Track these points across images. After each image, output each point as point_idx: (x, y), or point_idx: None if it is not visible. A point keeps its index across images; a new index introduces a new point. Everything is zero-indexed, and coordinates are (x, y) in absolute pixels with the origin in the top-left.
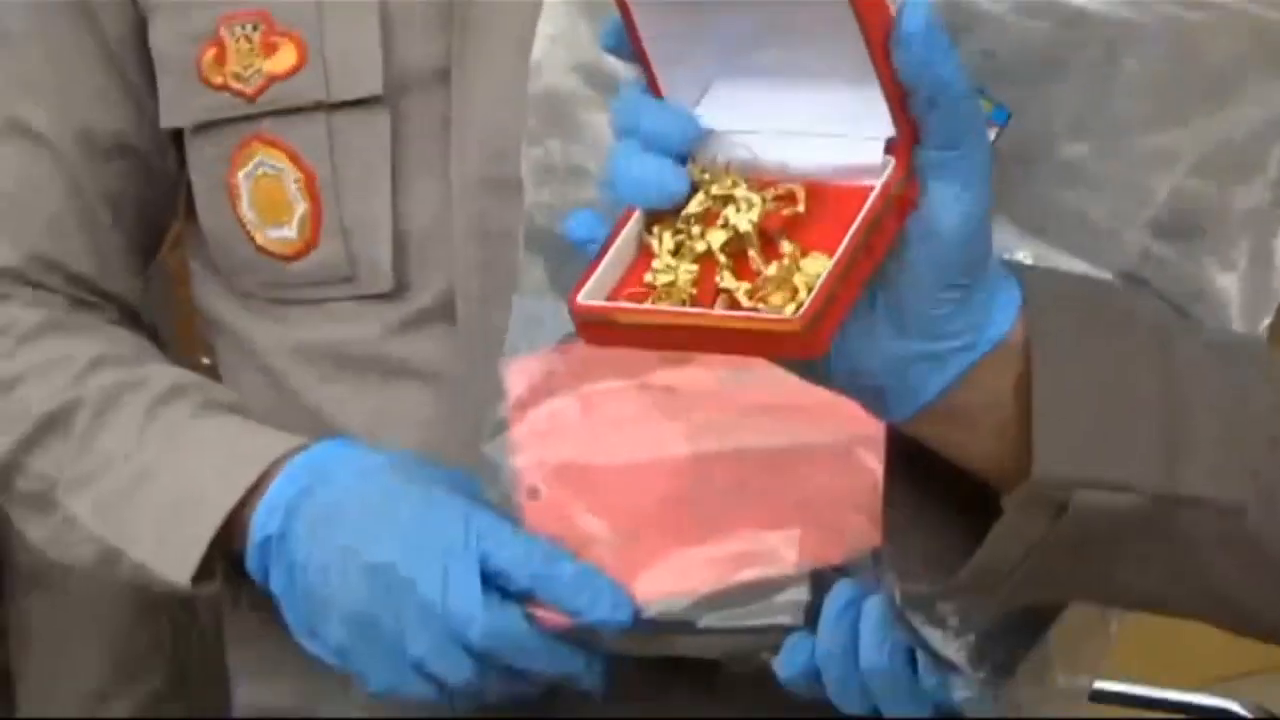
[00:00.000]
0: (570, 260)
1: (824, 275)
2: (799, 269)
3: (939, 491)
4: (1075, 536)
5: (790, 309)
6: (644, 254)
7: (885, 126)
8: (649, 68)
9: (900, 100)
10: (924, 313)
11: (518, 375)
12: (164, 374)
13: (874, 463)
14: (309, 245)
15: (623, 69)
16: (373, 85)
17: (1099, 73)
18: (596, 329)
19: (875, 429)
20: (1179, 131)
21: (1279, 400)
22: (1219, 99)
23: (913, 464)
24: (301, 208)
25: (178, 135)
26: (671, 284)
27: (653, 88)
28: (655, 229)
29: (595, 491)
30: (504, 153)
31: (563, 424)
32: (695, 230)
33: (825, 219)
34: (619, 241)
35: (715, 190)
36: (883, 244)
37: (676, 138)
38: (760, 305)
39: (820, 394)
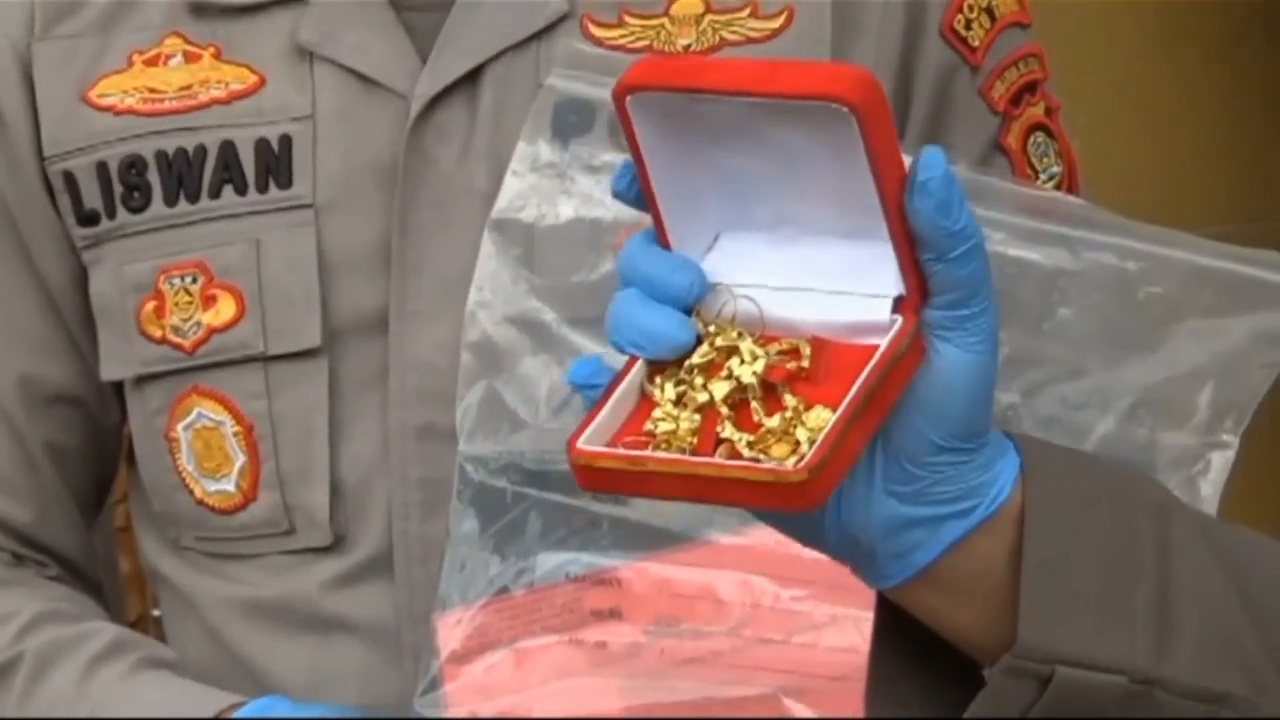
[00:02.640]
0: (501, 513)
1: (829, 426)
2: (802, 422)
3: (922, 671)
4: (1057, 710)
5: (792, 461)
6: (645, 403)
7: (892, 284)
8: (658, 217)
9: (911, 254)
10: (922, 475)
11: (450, 630)
12: (103, 632)
13: (802, 711)
14: (247, 499)
15: (553, 319)
16: (311, 337)
17: (1034, 320)
18: (593, 474)
19: (801, 680)
20: (1111, 376)
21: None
22: (1151, 345)
23: (896, 638)
24: (240, 460)
25: (119, 386)
26: (672, 432)
27: (661, 237)
28: (657, 379)
29: None
30: (441, 400)
31: (496, 679)
32: (698, 381)
33: (830, 375)
34: (620, 389)
35: (720, 342)
36: (887, 401)
37: (683, 289)
38: (761, 456)
39: (746, 645)
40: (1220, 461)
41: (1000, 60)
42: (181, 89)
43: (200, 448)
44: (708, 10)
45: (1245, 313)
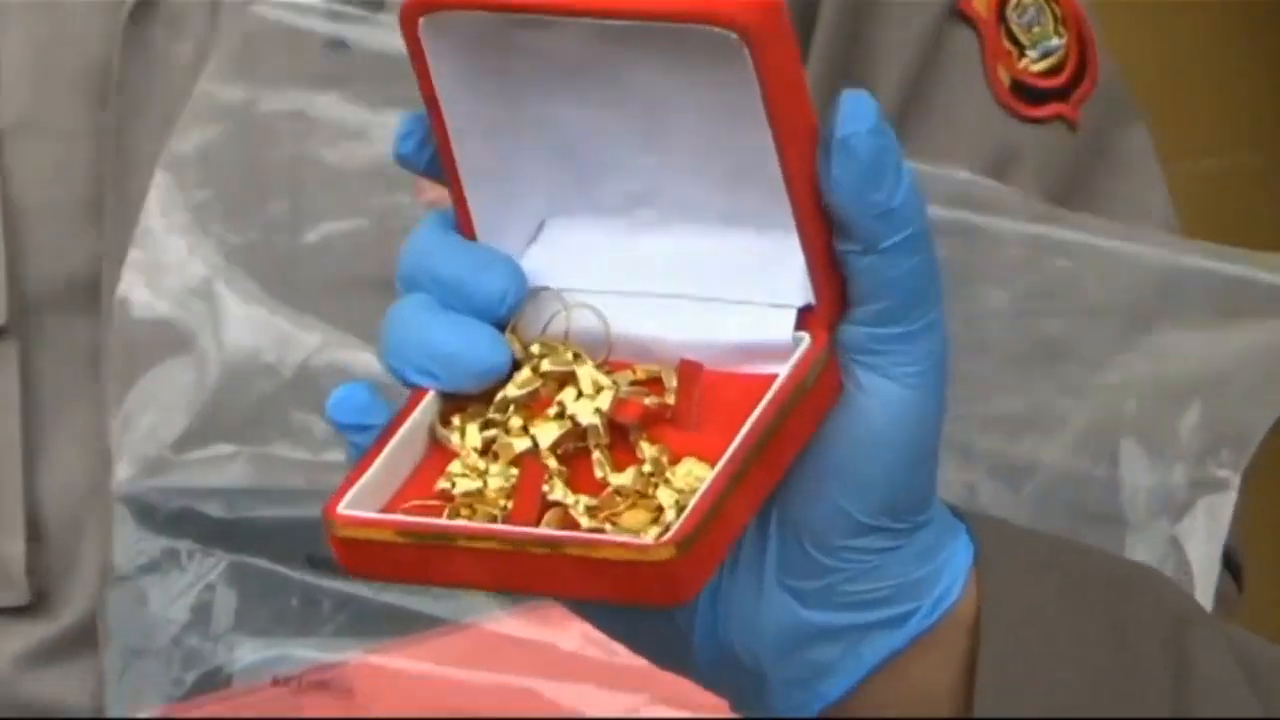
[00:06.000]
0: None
1: (705, 486)
2: (666, 480)
3: None
4: None
5: (653, 533)
6: (437, 453)
7: (796, 290)
8: (459, 194)
9: (825, 245)
10: (835, 566)
11: None
12: None
13: None
14: None
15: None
16: None
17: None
18: (362, 551)
19: None
20: (1055, 395)
21: None
22: (1107, 358)
23: None
24: None
25: None
26: (478, 493)
27: (463, 222)
28: (455, 419)
29: None
30: None
31: None
32: (515, 422)
33: (706, 416)
34: (401, 434)
35: (547, 367)
36: (786, 454)
37: (494, 294)
38: (607, 526)
39: None
40: (1215, 509)
41: None
42: None
43: None
44: None
45: (1241, 320)
